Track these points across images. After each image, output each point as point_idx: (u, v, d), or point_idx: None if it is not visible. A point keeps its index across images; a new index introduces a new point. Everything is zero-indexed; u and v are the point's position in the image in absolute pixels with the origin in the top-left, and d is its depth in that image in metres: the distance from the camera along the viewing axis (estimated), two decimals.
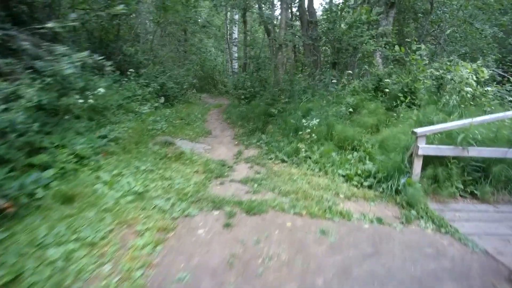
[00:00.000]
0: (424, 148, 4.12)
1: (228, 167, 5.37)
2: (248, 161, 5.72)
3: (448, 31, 13.26)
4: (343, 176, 4.59)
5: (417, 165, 4.20)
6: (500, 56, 11.50)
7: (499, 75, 9.74)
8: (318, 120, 5.73)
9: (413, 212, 3.80)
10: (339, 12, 10.57)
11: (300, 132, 5.75)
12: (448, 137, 4.38)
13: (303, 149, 5.35)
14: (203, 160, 5.65)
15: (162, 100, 12.48)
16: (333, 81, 8.24)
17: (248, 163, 5.60)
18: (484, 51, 13.21)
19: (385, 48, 9.56)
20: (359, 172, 4.53)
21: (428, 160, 4.27)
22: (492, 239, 3.39)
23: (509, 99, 6.58)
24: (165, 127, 8.67)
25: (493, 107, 5.57)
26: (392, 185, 4.14)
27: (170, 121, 9.65)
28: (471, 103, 5.73)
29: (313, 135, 5.55)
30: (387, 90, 6.98)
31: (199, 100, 16.48)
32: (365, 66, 9.15)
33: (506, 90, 7.42)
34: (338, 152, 5.30)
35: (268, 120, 7.78)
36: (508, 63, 11.11)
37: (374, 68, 8.29)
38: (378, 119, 6.13)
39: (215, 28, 23.08)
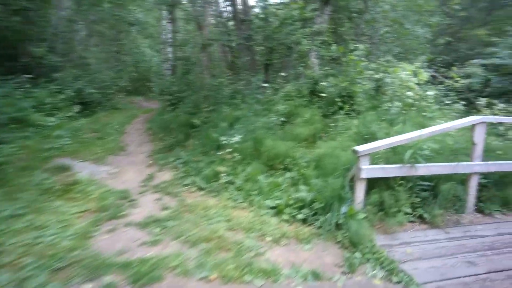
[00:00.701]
0: (368, 170, 3.39)
1: (130, 200, 4.22)
2: (158, 189, 4.62)
3: (382, 31, 13.30)
4: (272, 208, 3.71)
5: (360, 190, 3.47)
6: (431, 56, 11.71)
7: (431, 76, 9.76)
8: (241, 137, 4.80)
9: (358, 254, 3.03)
10: (270, 8, 9.89)
11: (220, 152, 4.78)
12: (393, 153, 3.73)
13: (223, 174, 4.39)
14: (101, 192, 4.44)
15: (78, 108, 10.83)
16: (264, 85, 7.44)
17: (157, 193, 4.50)
18: (416, 51, 13.47)
19: (321, 47, 9.04)
20: (291, 201, 3.68)
21: (372, 183, 3.56)
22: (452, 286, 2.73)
23: (446, 102, 6.34)
24: (68, 144, 7.20)
25: (435, 113, 5.13)
26: (332, 218, 3.35)
27: (78, 136, 8.15)
28: (412, 108, 5.27)
29: (236, 154, 4.62)
30: (323, 94, 6.34)
31: (129, 105, 14.96)
32: (300, 68, 8.50)
33: (442, 92, 7.22)
34: (268, 174, 4.42)
35: (190, 132, 6.70)
36: (439, 64, 11.33)
37: (309, 70, 7.67)
38: (314, 129, 5.41)
39: (148, 26, 21.37)
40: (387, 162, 3.62)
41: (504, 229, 3.81)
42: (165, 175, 5.29)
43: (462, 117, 6.64)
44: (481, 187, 4.18)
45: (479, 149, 3.92)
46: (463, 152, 4.40)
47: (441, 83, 8.15)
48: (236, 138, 4.72)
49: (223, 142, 4.76)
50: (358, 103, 5.79)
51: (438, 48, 15.33)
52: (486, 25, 21.84)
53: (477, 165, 3.92)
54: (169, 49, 20.81)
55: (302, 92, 6.60)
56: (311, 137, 5.27)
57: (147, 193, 4.54)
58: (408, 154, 3.46)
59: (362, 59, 6.88)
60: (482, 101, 7.03)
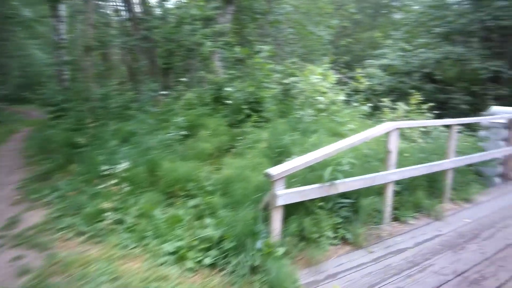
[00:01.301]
0: (284, 196, 2.88)
1: None
2: (20, 241, 3.45)
3: (286, 33, 13.41)
4: (172, 253, 2.95)
5: (277, 220, 2.94)
6: (334, 57, 12.21)
7: (337, 77, 10.06)
8: (128, 163, 3.92)
9: None
10: (168, 6, 9.02)
11: (103, 185, 3.83)
12: (310, 169, 3.30)
13: (109, 212, 3.46)
14: None
15: None
16: (163, 92, 6.59)
17: (17, 247, 3.35)
18: (318, 52, 13.94)
19: (225, 49, 8.50)
20: (195, 242, 2.97)
21: (290, 209, 3.06)
22: None
23: (354, 104, 6.40)
24: None
25: (346, 118, 4.97)
26: (246, 260, 2.74)
27: None
28: (323, 114, 5.05)
29: (125, 184, 3.74)
30: (229, 101, 5.79)
31: (12, 116, 12.58)
32: (202, 72, 7.83)
33: (348, 93, 7.30)
34: (167, 204, 3.65)
35: (72, 154, 5.45)
36: (341, 65, 11.88)
37: (213, 74, 7.07)
38: (220, 141, 4.80)
39: (37, 25, 18.21)
40: (304, 182, 3.16)
41: (419, 236, 3.72)
42: (35, 216, 4.09)
43: (369, 119, 6.84)
44: (395, 194, 4.07)
45: (394, 157, 3.75)
46: (377, 159, 4.26)
47: (345, 84, 8.32)
48: (124, 165, 3.81)
49: (107, 172, 3.81)
50: (267, 109, 5.38)
51: (339, 49, 16.17)
52: (374, 29, 24.19)
53: (393, 174, 3.75)
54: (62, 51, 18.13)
55: (205, 100, 5.94)
56: (217, 151, 4.65)
57: (2, 249, 3.34)
58: (328, 171, 3.05)
59: (268, 61, 6.56)
60: (384, 101, 7.32)
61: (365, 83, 6.99)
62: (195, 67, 8.69)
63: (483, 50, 13.69)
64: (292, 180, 3.13)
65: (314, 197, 3.10)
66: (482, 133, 6.14)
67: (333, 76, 5.65)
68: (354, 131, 5.10)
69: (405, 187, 4.31)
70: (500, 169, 5.92)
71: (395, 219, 4.06)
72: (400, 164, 4.26)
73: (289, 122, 4.62)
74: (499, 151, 5.57)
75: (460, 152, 5.56)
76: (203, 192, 3.71)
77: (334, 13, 17.94)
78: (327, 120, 4.80)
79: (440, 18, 15.30)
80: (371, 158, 4.20)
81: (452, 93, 14.22)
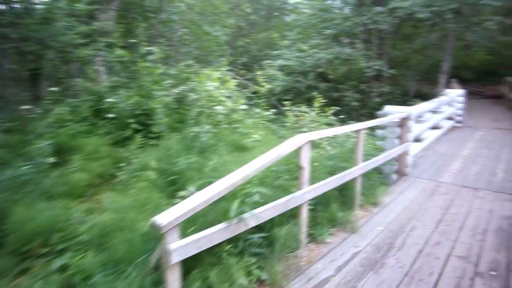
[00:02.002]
0: (180, 249, 2.16)
1: None
2: None
3: (180, 33, 12.50)
4: None
5: (174, 281, 2.20)
6: (231, 59, 11.80)
7: (236, 80, 9.61)
8: None
9: None
10: None
11: None
12: (213, 204, 2.63)
13: None
14: None
15: None
16: (25, 107, 5.17)
17: None
18: (215, 53, 13.37)
19: (107, 51, 7.27)
20: None
21: (191, 263, 2.35)
22: None
23: (256, 110, 5.98)
24: None
25: (249, 129, 4.45)
26: None
27: None
28: (224, 125, 4.45)
29: None
30: (112, 114, 4.78)
31: None
32: (79, 79, 6.51)
33: (249, 97, 6.88)
34: (17, 273, 2.59)
35: None
36: (239, 66, 11.56)
37: (93, 82, 5.88)
38: (101, 167, 3.80)
39: None
40: (205, 223, 2.49)
41: (339, 258, 3.40)
42: None
43: (274, 124, 6.54)
44: (309, 212, 3.70)
45: (307, 173, 3.34)
46: (287, 172, 3.83)
47: (245, 87, 7.90)
48: None
49: None
50: (158, 122, 4.55)
51: (236, 50, 15.88)
52: (269, 30, 24.84)
53: (308, 193, 3.34)
54: None
55: (82, 114, 4.80)
56: (97, 180, 3.66)
57: None
58: (234, 207, 2.43)
59: (158, 65, 5.71)
60: (287, 105, 7.09)
61: (266, 86, 6.65)
62: (71, 74, 7.24)
63: (366, 51, 14.91)
64: (189, 224, 2.42)
65: (219, 241, 2.45)
66: (379, 132, 6.32)
67: (232, 81, 5.12)
68: (260, 142, 4.63)
69: (318, 201, 4.00)
70: (396, 166, 6.16)
71: (312, 239, 3.70)
72: (312, 177, 3.92)
73: (184, 139, 3.90)
74: (397, 150, 5.76)
75: (365, 154, 5.57)
76: (74, 245, 2.75)
77: (230, 13, 17.68)
78: (229, 132, 4.24)
79: (328, 21, 16.24)
80: (282, 174, 3.76)
81: (343, 91, 15.17)
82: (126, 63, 7.19)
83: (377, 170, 5.74)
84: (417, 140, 7.79)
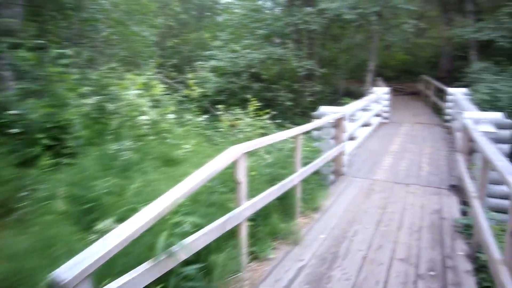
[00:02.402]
0: None
1: None
2: None
3: (105, 33, 11.44)
4: None
5: None
6: (160, 60, 11.10)
7: (166, 83, 9.01)
8: None
9: None
10: None
11: None
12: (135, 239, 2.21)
13: None
14: None
15: None
16: None
17: None
18: (144, 55, 12.51)
19: (12, 54, 6.27)
20: None
21: None
22: None
23: (188, 116, 5.55)
24: None
25: (181, 139, 4.03)
26: None
27: None
28: (150, 137, 3.98)
29: None
30: (16, 129, 4.01)
31: None
32: None
33: (180, 102, 6.41)
34: None
35: None
36: (169, 68, 10.91)
37: None
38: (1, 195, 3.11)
39: None
40: (127, 264, 2.06)
41: (283, 276, 3.17)
42: None
43: (208, 131, 6.15)
44: (249, 228, 3.42)
45: (244, 188, 3.04)
46: (223, 188, 3.51)
47: (176, 91, 7.41)
48: None
49: None
50: (75, 136, 3.92)
51: (167, 51, 15.13)
52: (201, 30, 24.26)
53: (247, 209, 3.05)
54: None
55: None
56: None
57: None
58: (161, 241, 2.04)
59: (74, 70, 4.99)
60: (220, 108, 6.76)
61: (197, 90, 6.24)
62: None
63: (297, 51, 15.17)
64: (107, 269, 1.97)
65: (146, 283, 2.05)
66: (315, 133, 6.29)
67: (160, 86, 4.64)
68: (192, 153, 4.24)
69: (258, 214, 3.73)
70: (332, 166, 6.18)
71: (254, 257, 3.42)
72: (250, 188, 3.64)
73: (103, 157, 3.36)
74: (334, 151, 5.76)
75: (304, 158, 5.46)
76: None
77: (158, 12, 16.81)
78: (156, 144, 3.79)
79: (260, 21, 16.22)
80: (217, 188, 3.43)
81: (277, 91, 15.27)
82: (37, 67, 6.26)
83: (315, 172, 5.69)
84: (351, 138, 7.99)
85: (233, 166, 2.90)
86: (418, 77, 18.57)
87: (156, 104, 4.41)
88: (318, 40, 18.09)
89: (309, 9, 13.45)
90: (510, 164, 2.82)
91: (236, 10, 18.98)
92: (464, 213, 4.53)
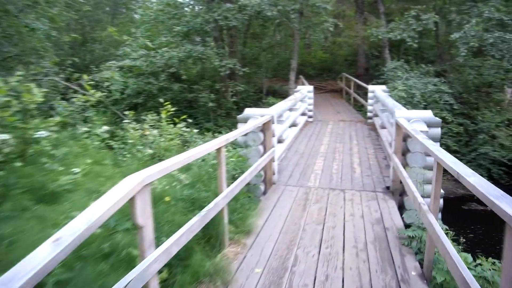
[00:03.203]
0: None
1: None
2: None
3: None
4: None
5: None
6: (57, 59, 9.34)
7: (66, 87, 7.51)
8: None
9: None
10: None
11: None
12: None
13: None
14: None
15: None
16: None
17: None
18: (40, 52, 10.54)
19: None
20: None
21: None
22: None
23: (84, 129, 4.38)
24: None
25: (71, 161, 2.94)
26: None
27: None
28: (19, 163, 2.83)
29: None
30: None
31: None
32: None
33: (79, 109, 5.17)
34: None
35: None
36: (70, 68, 9.23)
37: None
38: None
39: None
40: None
41: None
42: None
43: (112, 143, 5.02)
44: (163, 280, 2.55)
45: (150, 232, 2.15)
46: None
47: (75, 92, 6.10)
48: None
49: None
50: None
51: (76, 50, 13.16)
52: (115, 27, 22.11)
53: (156, 261, 2.16)
54: None
55: None
56: None
57: None
58: None
59: None
60: (129, 115, 5.66)
61: (97, 96, 5.06)
62: None
63: (219, 49, 14.40)
64: None
65: None
66: (240, 139, 5.58)
67: (39, 91, 3.46)
68: (84, 178, 3.19)
69: (175, 254, 2.86)
70: (262, 176, 5.55)
71: None
72: (162, 222, 2.78)
73: None
74: (264, 159, 5.10)
75: (231, 169, 4.70)
76: None
77: (58, 4, 14.61)
78: (30, 171, 2.69)
79: (178, 18, 15.08)
80: (116, 228, 2.49)
81: (198, 91, 14.34)
82: None
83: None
84: (279, 141, 7.48)
85: (130, 205, 2.00)
86: (338, 75, 19.19)
87: (29, 114, 3.24)
88: (240, 38, 17.56)
89: (228, 5, 12.76)
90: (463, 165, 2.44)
91: (153, 6, 17.49)
92: (407, 226, 4.20)
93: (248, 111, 5.76)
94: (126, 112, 5.51)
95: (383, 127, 8.77)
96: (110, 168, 3.68)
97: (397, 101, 9.03)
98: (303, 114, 11.27)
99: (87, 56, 20.73)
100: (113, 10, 24.89)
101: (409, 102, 10.46)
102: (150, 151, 4.36)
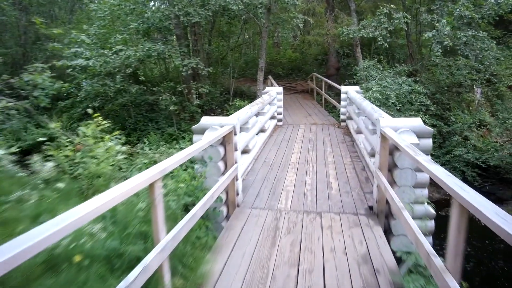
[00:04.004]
0: None
1: None
2: None
3: None
4: None
5: None
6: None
7: None
8: None
9: None
10: None
11: None
12: None
13: None
14: None
15: None
16: None
17: None
18: None
19: None
20: None
21: None
22: None
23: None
24: None
25: None
26: None
27: None
28: None
29: None
30: None
31: None
32: None
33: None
34: None
35: None
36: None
37: None
38: None
39: None
40: None
41: None
42: None
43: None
44: None
45: None
46: None
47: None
48: None
49: None
50: None
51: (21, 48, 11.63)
52: (71, 24, 20.52)
53: None
54: None
55: None
56: None
57: None
58: None
59: None
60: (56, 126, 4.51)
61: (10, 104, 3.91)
62: None
63: (181, 47, 13.28)
64: None
65: None
66: (197, 155, 4.60)
67: None
68: None
69: None
70: (224, 198, 4.61)
71: None
72: None
73: None
74: (224, 180, 4.16)
75: (178, 198, 3.73)
76: None
77: None
78: None
79: (136, 13, 13.79)
80: None
81: (159, 93, 13.16)
82: None
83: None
84: (244, 151, 6.57)
85: None
86: (308, 75, 18.53)
87: None
88: (205, 36, 16.48)
89: None
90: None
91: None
92: (398, 260, 3.41)
93: (205, 120, 4.79)
94: (52, 123, 4.38)
95: (358, 132, 8.08)
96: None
97: (373, 103, 8.37)
98: (272, 117, 10.43)
99: (39, 55, 19.00)
100: (70, 6, 23.18)
101: (384, 104, 9.86)
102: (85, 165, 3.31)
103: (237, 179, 4.80)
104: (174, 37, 14.80)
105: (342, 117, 10.47)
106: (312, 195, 5.12)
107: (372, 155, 5.97)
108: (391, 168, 4.26)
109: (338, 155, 7.32)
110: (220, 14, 14.79)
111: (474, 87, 13.80)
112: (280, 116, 11.07)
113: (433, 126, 11.63)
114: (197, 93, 13.33)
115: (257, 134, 7.64)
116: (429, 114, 11.31)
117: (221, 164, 4.56)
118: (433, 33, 10.65)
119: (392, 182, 4.17)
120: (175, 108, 12.22)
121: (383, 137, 4.14)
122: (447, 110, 12.66)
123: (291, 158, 7.17)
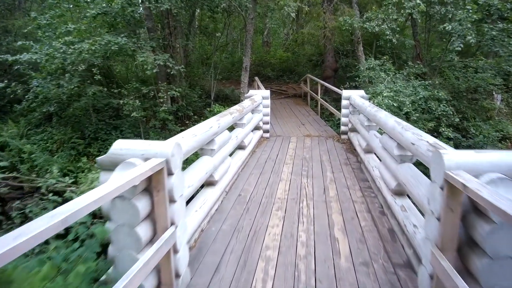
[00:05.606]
0: None
1: None
2: None
3: None
4: None
5: None
6: None
7: None
8: None
9: None
10: None
11: None
12: None
13: None
14: None
15: None
16: None
17: None
18: None
19: None
20: None
21: None
22: None
23: None
24: None
25: None
26: None
27: None
28: None
29: None
30: None
31: None
32: None
33: None
34: None
35: None
36: None
37: None
38: None
39: None
40: None
41: None
42: None
43: None
44: None
45: None
46: None
47: None
48: None
49: None
50: None
51: None
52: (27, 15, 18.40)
53: None
54: None
55: None
56: None
57: None
58: None
59: None
60: None
61: None
62: None
63: (151, 42, 11.19)
64: None
65: None
66: (105, 206, 2.53)
67: None
68: None
69: None
70: (152, 284, 2.53)
71: None
72: None
73: None
74: (148, 259, 2.07)
75: None
76: None
77: None
78: None
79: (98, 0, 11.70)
80: None
81: (125, 96, 11.01)
82: None
83: None
84: (208, 183, 4.50)
85: None
86: (301, 77, 16.52)
87: None
88: (184, 30, 14.39)
89: None
90: None
91: None
92: None
93: (119, 146, 2.70)
94: None
95: (368, 151, 6.06)
96: None
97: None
98: (257, 128, 8.37)
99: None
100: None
101: (396, 114, 7.88)
102: None
103: (176, 251, 2.70)
104: (145, 30, 12.74)
105: (343, 128, 8.47)
106: (309, 272, 3.04)
107: (398, 193, 3.96)
108: (463, 246, 2.22)
109: (343, 185, 5.28)
110: (200, 4, 12.74)
111: (494, 93, 11.93)
112: (267, 126, 9.00)
113: (449, 139, 9.68)
114: (170, 97, 11.22)
115: (230, 155, 5.56)
116: (446, 125, 9.36)
117: (143, 229, 2.47)
118: (453, 25, 8.72)
119: (465, 274, 2.14)
120: (139, 115, 10.07)
121: (451, 188, 2.09)
122: (464, 120, 10.73)
123: (277, 189, 5.11)
